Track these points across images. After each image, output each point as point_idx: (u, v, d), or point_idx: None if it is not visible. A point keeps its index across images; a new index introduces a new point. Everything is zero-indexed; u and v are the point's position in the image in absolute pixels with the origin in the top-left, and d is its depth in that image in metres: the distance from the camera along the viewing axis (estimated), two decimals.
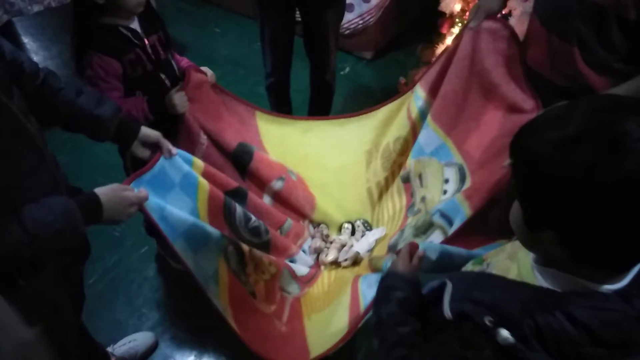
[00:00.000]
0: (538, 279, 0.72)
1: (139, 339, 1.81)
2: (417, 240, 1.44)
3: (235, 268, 1.46)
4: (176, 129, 1.53)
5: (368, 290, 1.37)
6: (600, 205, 0.59)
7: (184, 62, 1.62)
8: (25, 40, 3.27)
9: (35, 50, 3.21)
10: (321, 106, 2.46)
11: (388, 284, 0.96)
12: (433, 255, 1.15)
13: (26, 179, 0.96)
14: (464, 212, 1.41)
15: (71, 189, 1.14)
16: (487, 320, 0.65)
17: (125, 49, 1.40)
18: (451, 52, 1.55)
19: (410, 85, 1.73)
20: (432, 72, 1.63)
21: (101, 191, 1.08)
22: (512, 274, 0.78)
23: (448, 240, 1.36)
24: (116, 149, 1.53)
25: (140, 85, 1.46)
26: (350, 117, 1.83)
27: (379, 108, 1.78)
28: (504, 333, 0.63)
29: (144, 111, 1.44)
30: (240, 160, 1.68)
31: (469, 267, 0.98)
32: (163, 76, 1.51)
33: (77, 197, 1.04)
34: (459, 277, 0.82)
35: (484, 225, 1.37)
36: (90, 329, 1.50)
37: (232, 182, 1.59)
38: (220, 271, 1.41)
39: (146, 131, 1.30)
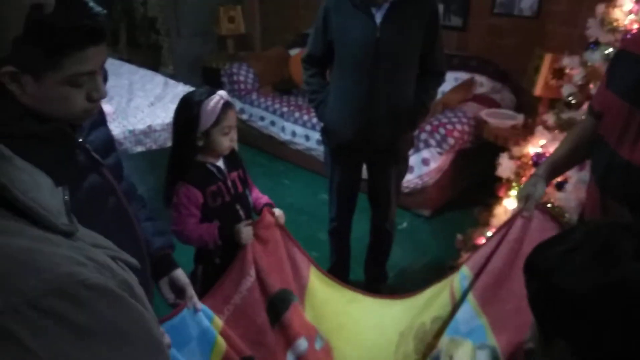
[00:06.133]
0: None
1: None
2: None
3: None
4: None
5: None
6: (599, 311, 0.67)
7: (264, 199, 1.81)
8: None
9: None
10: (379, 252, 2.57)
11: None
12: None
13: None
14: None
15: None
16: None
17: (210, 182, 1.61)
18: (502, 235, 1.58)
19: (456, 267, 1.74)
20: (480, 254, 1.63)
21: None
22: None
23: None
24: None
25: (217, 214, 1.64)
26: (395, 298, 1.84)
27: (424, 290, 1.77)
28: None
29: (215, 237, 1.59)
30: (276, 306, 1.68)
31: None
32: (238, 207, 1.69)
33: None
34: None
35: None
36: None
37: (247, 349, 1.54)
38: None
39: (179, 274, 1.35)
